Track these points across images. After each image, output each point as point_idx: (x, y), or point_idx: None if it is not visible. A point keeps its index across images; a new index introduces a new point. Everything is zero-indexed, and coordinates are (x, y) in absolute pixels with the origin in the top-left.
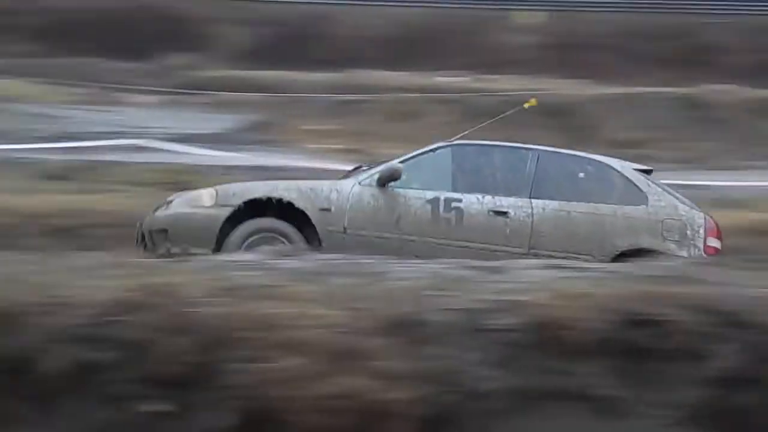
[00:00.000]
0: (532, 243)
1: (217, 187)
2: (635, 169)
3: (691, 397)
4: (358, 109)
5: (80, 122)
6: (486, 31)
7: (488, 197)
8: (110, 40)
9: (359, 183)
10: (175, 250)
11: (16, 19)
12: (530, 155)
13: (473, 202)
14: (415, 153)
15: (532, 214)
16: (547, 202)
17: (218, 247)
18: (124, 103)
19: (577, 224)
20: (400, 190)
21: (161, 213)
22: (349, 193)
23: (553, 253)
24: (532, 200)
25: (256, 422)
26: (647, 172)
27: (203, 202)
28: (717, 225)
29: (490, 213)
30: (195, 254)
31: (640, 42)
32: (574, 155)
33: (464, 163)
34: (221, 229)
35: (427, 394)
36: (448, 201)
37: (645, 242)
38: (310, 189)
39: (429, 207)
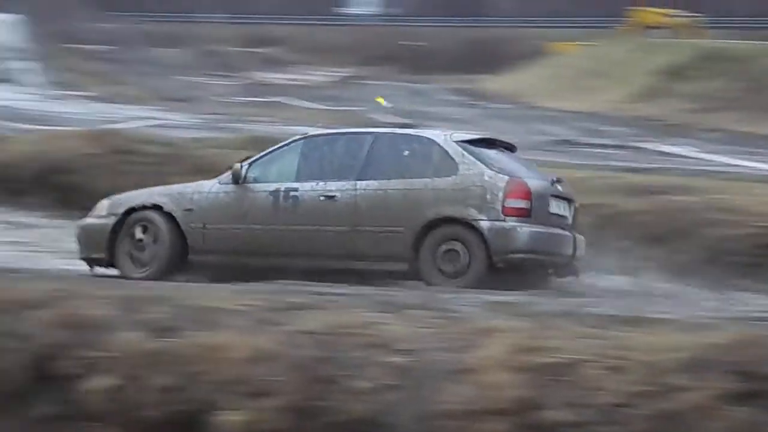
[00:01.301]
0: (354, 221)
1: (112, 197)
2: (464, 141)
3: None
4: None
5: None
6: None
7: (321, 183)
8: None
9: (219, 182)
10: (82, 255)
11: None
12: (367, 139)
13: (308, 189)
14: (274, 147)
15: (356, 196)
16: (369, 182)
17: (111, 253)
18: None
19: (392, 200)
20: (250, 185)
21: (80, 222)
22: (208, 192)
23: (372, 228)
24: (357, 182)
25: None
26: (510, 147)
27: (99, 211)
28: (523, 187)
29: (321, 198)
30: (95, 258)
31: None
32: (405, 134)
33: (310, 154)
34: (110, 235)
35: None
36: (286, 191)
37: (448, 211)
38: (178, 193)
39: (271, 198)
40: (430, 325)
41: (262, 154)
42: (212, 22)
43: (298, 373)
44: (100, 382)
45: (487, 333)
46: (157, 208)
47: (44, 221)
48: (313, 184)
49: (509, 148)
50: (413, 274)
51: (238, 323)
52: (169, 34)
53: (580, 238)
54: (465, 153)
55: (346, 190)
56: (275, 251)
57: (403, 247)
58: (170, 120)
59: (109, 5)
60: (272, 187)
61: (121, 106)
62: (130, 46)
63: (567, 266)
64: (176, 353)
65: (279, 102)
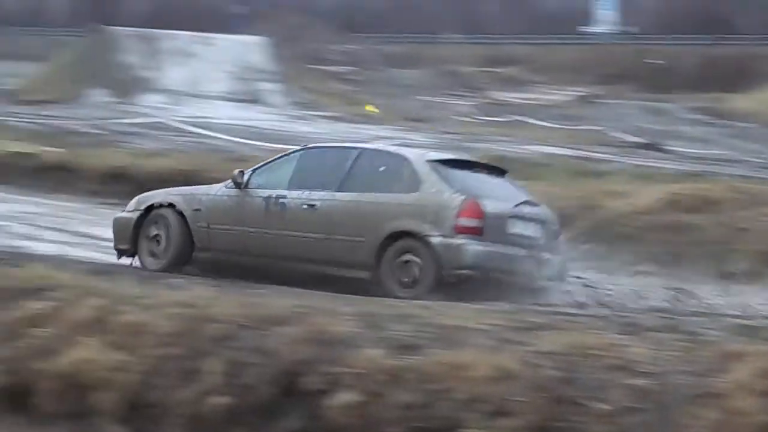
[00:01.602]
0: (329, 230)
1: (140, 195)
2: (437, 161)
3: None
4: None
5: None
6: None
7: (306, 192)
8: None
9: (225, 186)
10: (114, 245)
11: None
12: (352, 153)
13: (294, 197)
14: (276, 156)
15: (333, 206)
16: (346, 194)
17: (134, 245)
18: None
19: (361, 212)
20: (250, 190)
21: (116, 215)
22: (215, 195)
23: (343, 237)
24: (336, 193)
25: None
26: (496, 171)
27: (129, 207)
28: (476, 207)
29: (304, 206)
30: (123, 249)
31: None
32: (385, 151)
33: (306, 164)
34: (134, 229)
35: None
36: (277, 197)
37: (407, 225)
38: (191, 193)
39: (264, 203)
40: (673, 348)
41: (264, 162)
42: (452, 42)
43: (539, 394)
44: (343, 398)
45: (733, 357)
46: (171, 206)
47: None
48: (300, 192)
49: (495, 171)
50: (376, 283)
51: (480, 342)
52: (408, 55)
53: (554, 259)
54: (432, 172)
55: (326, 200)
56: (265, 253)
57: (367, 256)
58: (410, 140)
59: (351, 27)
60: (266, 193)
61: (363, 126)
62: (370, 66)
63: (533, 286)
64: (419, 370)
65: (517, 121)
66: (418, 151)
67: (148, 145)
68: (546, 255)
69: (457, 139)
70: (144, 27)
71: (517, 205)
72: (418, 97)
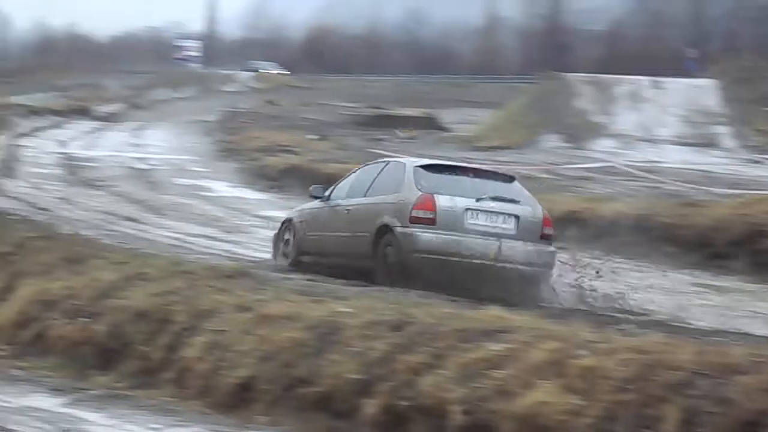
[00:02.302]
0: (353, 229)
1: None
2: (421, 166)
3: None
4: None
5: None
6: None
7: (349, 200)
8: None
9: (319, 201)
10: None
11: None
12: (382, 165)
13: (343, 204)
14: (349, 172)
15: (358, 209)
16: (366, 198)
17: (276, 252)
18: None
19: (368, 211)
20: (327, 202)
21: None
22: (311, 208)
23: (358, 234)
24: (362, 198)
25: None
26: (510, 178)
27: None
28: (428, 201)
29: (345, 211)
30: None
31: None
32: (398, 162)
33: (359, 177)
34: (275, 238)
35: None
36: (338, 206)
37: (386, 221)
38: (302, 209)
39: (331, 212)
40: None
41: (342, 179)
42: None
43: None
44: None
45: None
46: (291, 220)
47: (737, 285)
48: (348, 200)
49: (500, 177)
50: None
51: None
52: None
53: (529, 248)
54: (412, 176)
55: (355, 204)
56: (328, 252)
57: (367, 248)
58: None
59: None
60: (334, 203)
61: None
62: None
63: (496, 269)
64: None
65: None
66: (416, 160)
67: (600, 189)
68: (517, 243)
69: None
70: (596, 72)
71: (479, 200)
72: None
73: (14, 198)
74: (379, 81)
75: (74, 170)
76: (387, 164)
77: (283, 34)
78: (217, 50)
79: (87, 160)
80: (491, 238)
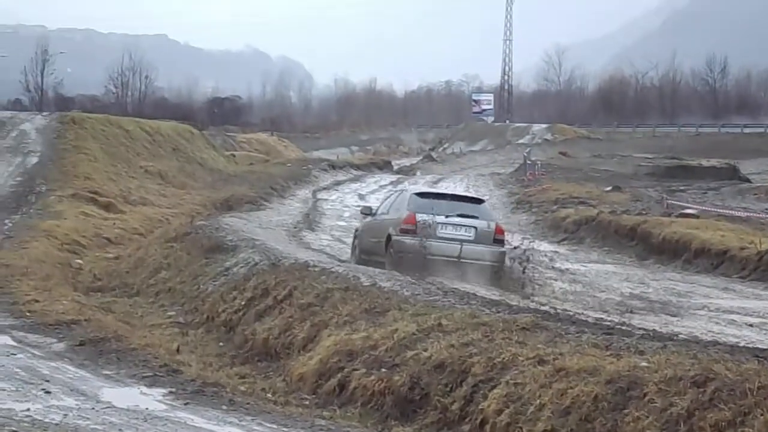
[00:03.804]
0: (378, 236)
1: None
2: (416, 193)
3: None
4: None
5: None
6: None
7: (382, 216)
8: None
9: (371, 217)
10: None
11: None
12: (399, 193)
13: (378, 219)
14: (385, 197)
15: (381, 222)
16: (386, 215)
17: (351, 254)
18: None
19: (385, 224)
20: (374, 216)
21: None
22: (365, 222)
23: (380, 239)
24: (385, 215)
25: None
26: (479, 201)
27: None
28: (411, 218)
29: (376, 223)
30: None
31: None
32: (405, 191)
33: (390, 199)
34: (352, 246)
35: None
36: (374, 220)
37: (390, 231)
38: (363, 221)
39: (376, 223)
40: None
41: (381, 200)
42: None
43: None
44: None
45: None
46: (357, 230)
47: None
48: (381, 217)
49: (471, 200)
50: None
51: None
52: None
53: (483, 249)
54: (407, 200)
55: (380, 219)
56: (371, 252)
57: (383, 248)
58: None
59: None
60: (375, 219)
61: None
62: None
63: (459, 263)
64: None
65: None
66: (416, 188)
67: None
68: (476, 247)
69: None
70: None
71: (448, 217)
72: None
73: (317, 250)
74: (676, 131)
75: None
76: (401, 192)
77: (576, 84)
78: (510, 103)
79: None
80: (455, 242)
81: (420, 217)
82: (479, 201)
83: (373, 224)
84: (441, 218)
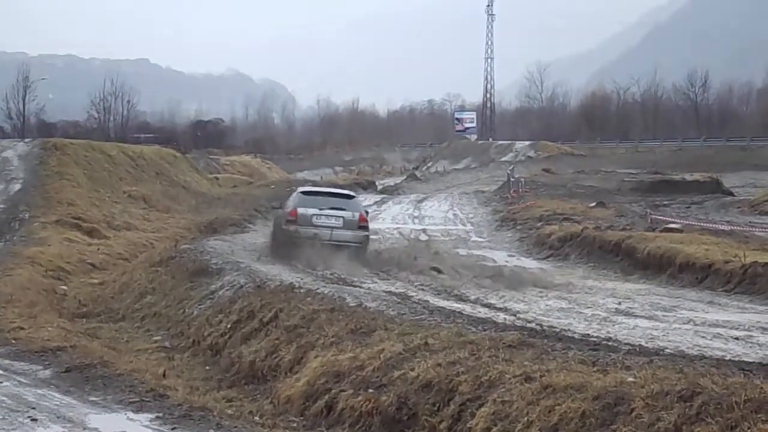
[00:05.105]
0: (283, 224)
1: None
2: (301, 191)
3: None
4: None
5: None
6: None
7: (283, 209)
8: None
9: (279, 209)
10: None
11: None
12: (294, 191)
13: (280, 212)
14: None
15: (283, 213)
16: (285, 209)
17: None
18: None
19: (283, 215)
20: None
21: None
22: (276, 213)
23: (278, 227)
24: (284, 209)
25: None
26: (351, 196)
27: None
28: (293, 212)
29: (279, 213)
30: None
31: None
32: (296, 190)
33: (291, 195)
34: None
35: None
36: (280, 212)
37: (280, 222)
38: (276, 214)
39: (279, 215)
40: None
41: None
42: None
43: None
44: None
45: None
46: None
47: None
48: (283, 209)
49: (343, 195)
50: None
51: None
52: None
53: (351, 233)
54: (295, 197)
55: (281, 212)
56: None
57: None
58: None
59: None
60: (281, 211)
61: None
62: None
63: (331, 243)
64: None
65: None
66: (303, 188)
67: None
68: (343, 231)
69: None
70: None
71: (321, 209)
72: None
73: (302, 271)
74: (659, 146)
75: None
76: (295, 191)
77: (558, 101)
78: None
79: (371, 232)
80: (326, 229)
81: (300, 210)
82: (350, 197)
83: (278, 216)
84: (315, 210)
